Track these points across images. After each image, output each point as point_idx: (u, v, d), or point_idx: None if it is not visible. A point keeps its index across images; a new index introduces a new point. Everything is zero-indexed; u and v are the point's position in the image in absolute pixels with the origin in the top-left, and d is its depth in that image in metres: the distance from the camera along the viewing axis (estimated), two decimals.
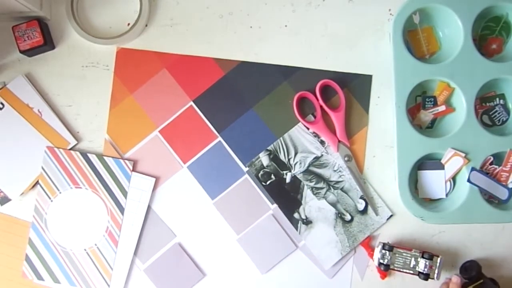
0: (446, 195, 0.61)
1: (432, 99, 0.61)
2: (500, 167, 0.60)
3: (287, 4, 0.63)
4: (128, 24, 0.63)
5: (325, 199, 0.60)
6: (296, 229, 0.61)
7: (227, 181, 0.62)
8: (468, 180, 0.58)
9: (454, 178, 0.61)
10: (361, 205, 0.61)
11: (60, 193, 0.61)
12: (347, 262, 0.61)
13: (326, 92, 0.62)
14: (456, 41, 0.59)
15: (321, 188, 0.60)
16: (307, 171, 0.60)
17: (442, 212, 0.59)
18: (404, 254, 0.58)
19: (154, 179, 0.62)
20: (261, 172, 0.60)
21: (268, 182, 0.60)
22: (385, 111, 0.62)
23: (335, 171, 0.60)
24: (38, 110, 0.62)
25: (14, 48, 0.62)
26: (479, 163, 0.59)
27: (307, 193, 0.60)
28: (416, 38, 0.62)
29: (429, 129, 0.62)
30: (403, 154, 0.59)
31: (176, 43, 0.63)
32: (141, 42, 0.63)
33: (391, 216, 0.61)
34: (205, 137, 0.63)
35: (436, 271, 0.57)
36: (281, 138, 0.59)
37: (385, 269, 0.58)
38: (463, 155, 0.59)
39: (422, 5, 0.59)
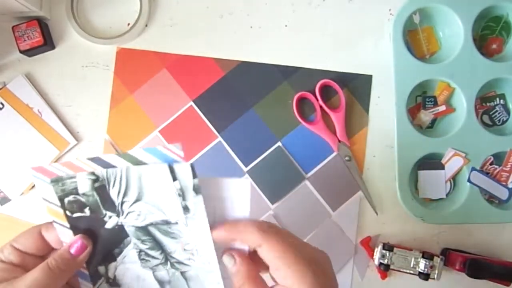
0: (446, 195, 0.61)
1: (432, 99, 0.61)
2: (500, 167, 0.60)
3: (287, 4, 0.63)
4: (128, 24, 0.63)
5: (153, 272, 0.41)
6: (93, 285, 0.41)
7: None
8: (468, 180, 0.58)
9: (454, 178, 0.61)
10: None
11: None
12: (347, 262, 0.61)
13: (326, 92, 0.62)
14: (456, 41, 0.59)
15: (154, 258, 0.41)
16: (143, 229, 0.39)
17: (442, 212, 0.59)
18: (404, 254, 0.58)
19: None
20: (70, 198, 0.37)
21: (75, 215, 0.38)
22: (385, 111, 0.62)
23: (185, 250, 0.40)
24: (38, 110, 0.62)
25: (14, 48, 0.62)
26: (479, 163, 0.59)
27: (129, 253, 0.41)
28: (416, 38, 0.62)
29: (429, 129, 0.62)
30: (403, 154, 0.59)
31: (176, 43, 0.63)
32: (141, 42, 0.63)
33: None
34: (205, 137, 0.63)
35: (436, 271, 0.57)
36: (123, 169, 0.36)
37: (385, 269, 0.58)
38: (463, 155, 0.59)
39: (422, 5, 0.59)
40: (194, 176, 0.35)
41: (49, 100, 0.63)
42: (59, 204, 0.37)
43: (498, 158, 0.60)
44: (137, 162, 0.36)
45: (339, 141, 0.62)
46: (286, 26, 0.63)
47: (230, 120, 0.63)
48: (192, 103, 0.63)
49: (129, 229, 0.39)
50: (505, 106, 0.62)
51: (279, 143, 0.63)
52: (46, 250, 0.38)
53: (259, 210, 0.62)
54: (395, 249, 0.58)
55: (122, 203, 0.38)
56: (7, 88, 0.62)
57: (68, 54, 0.63)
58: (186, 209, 0.37)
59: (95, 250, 0.39)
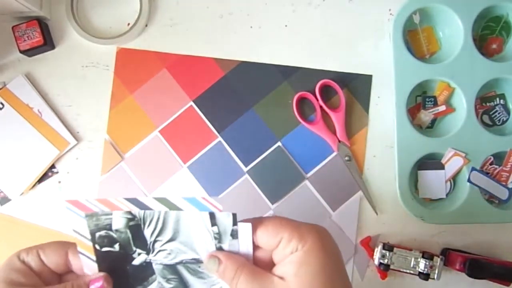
0: (446, 195, 0.61)
1: (432, 99, 0.61)
2: (501, 167, 0.60)
3: (287, 4, 0.63)
4: (128, 24, 0.63)
5: None
6: None
7: (227, 181, 0.62)
8: (468, 180, 0.58)
9: (454, 178, 0.61)
10: None
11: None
12: (347, 262, 0.61)
13: (326, 92, 0.62)
14: (456, 41, 0.59)
15: None
16: (171, 267, 0.39)
17: (442, 212, 0.59)
18: (404, 254, 0.58)
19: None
20: (102, 233, 0.37)
21: (104, 249, 0.38)
22: (385, 111, 0.62)
23: None
24: (38, 110, 0.62)
25: (14, 48, 0.62)
26: (479, 163, 0.59)
27: None
28: (416, 38, 0.62)
29: (429, 129, 0.62)
30: (403, 154, 0.59)
31: (176, 43, 0.63)
32: (141, 42, 0.63)
33: None
34: (205, 137, 0.63)
35: (436, 271, 0.57)
36: (162, 212, 0.36)
37: (385, 269, 0.58)
38: (463, 155, 0.58)
39: (422, 5, 0.59)
40: (235, 223, 0.36)
41: (49, 100, 0.63)
42: (89, 237, 0.37)
43: (498, 158, 0.60)
44: (174, 208, 0.36)
45: (339, 141, 0.62)
46: (286, 26, 0.63)
47: (230, 120, 0.63)
48: (192, 103, 0.63)
49: (157, 267, 0.39)
50: (505, 106, 0.62)
51: (279, 143, 0.63)
52: (65, 270, 0.38)
53: (259, 210, 0.62)
54: (395, 249, 0.58)
55: (155, 241, 0.38)
56: (7, 88, 0.62)
57: (68, 54, 0.63)
58: (220, 250, 0.37)
59: (118, 285, 0.39)
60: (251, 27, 0.63)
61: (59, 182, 0.63)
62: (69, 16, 0.62)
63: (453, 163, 0.59)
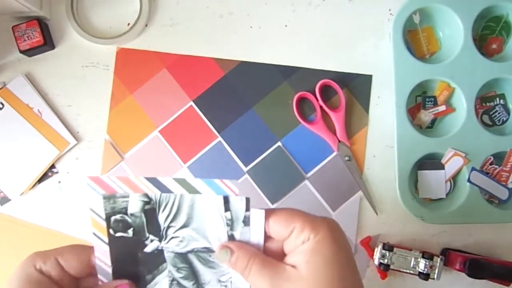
0: (446, 195, 0.61)
1: (432, 99, 0.61)
2: (501, 167, 0.60)
3: (287, 4, 0.63)
4: (128, 24, 0.63)
5: None
6: None
7: None
8: (468, 180, 0.58)
9: (454, 178, 0.61)
10: None
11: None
12: None
13: (326, 92, 0.62)
14: (456, 41, 0.59)
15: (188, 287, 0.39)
16: (182, 256, 0.39)
17: (442, 212, 0.59)
18: (404, 254, 0.58)
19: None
20: (117, 217, 0.37)
21: (118, 234, 0.37)
22: (385, 111, 0.62)
23: (220, 281, 0.39)
24: (38, 110, 0.62)
25: (14, 48, 0.62)
26: (479, 163, 0.59)
27: (161, 280, 0.39)
28: (416, 38, 0.62)
29: (429, 129, 0.62)
30: (403, 154, 0.59)
31: (176, 43, 0.63)
32: (141, 42, 0.63)
33: None
34: (205, 137, 0.63)
35: (436, 271, 0.57)
36: (177, 196, 0.37)
37: (385, 269, 0.58)
38: (463, 155, 0.58)
39: (422, 5, 0.59)
40: (247, 209, 0.36)
41: (49, 100, 0.63)
42: (104, 217, 0.37)
43: (498, 158, 0.60)
44: (192, 191, 0.36)
45: (339, 141, 0.62)
46: (286, 26, 0.63)
47: (230, 120, 0.63)
48: (192, 103, 0.63)
49: (168, 255, 0.39)
50: (505, 106, 0.62)
51: (279, 143, 0.63)
52: (87, 274, 0.37)
53: None
54: (395, 249, 0.58)
55: (168, 228, 0.38)
56: (7, 88, 0.62)
57: (68, 54, 0.63)
58: (231, 238, 0.38)
59: (129, 273, 0.38)
60: (251, 27, 0.63)
61: (59, 182, 0.63)
62: (69, 16, 0.62)
63: (453, 163, 0.59)
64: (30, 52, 0.61)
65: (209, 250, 0.38)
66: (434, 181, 0.60)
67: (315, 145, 0.62)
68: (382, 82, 0.62)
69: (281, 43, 0.63)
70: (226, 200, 0.36)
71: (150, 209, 0.37)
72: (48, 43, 0.61)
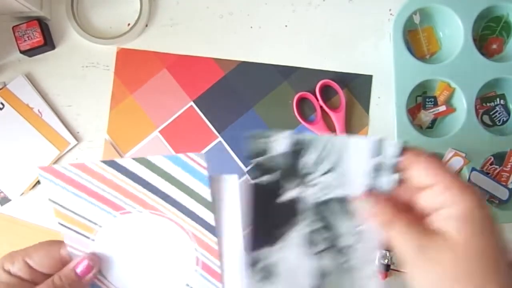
0: None
1: (433, 99, 0.61)
2: (501, 167, 0.60)
3: (287, 4, 0.63)
4: (128, 24, 0.63)
5: (316, 260, 0.36)
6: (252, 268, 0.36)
7: None
8: (468, 180, 0.58)
9: None
10: None
11: (100, 227, 0.37)
12: None
13: (326, 92, 0.62)
14: (457, 41, 0.59)
15: (321, 242, 0.36)
16: (321, 205, 0.35)
17: None
18: None
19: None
20: (259, 159, 0.35)
21: (254, 181, 0.35)
22: (385, 111, 0.62)
23: (354, 234, 0.36)
24: (38, 110, 0.62)
25: (14, 48, 0.62)
26: (479, 163, 0.59)
27: (294, 235, 0.36)
28: (416, 38, 0.62)
29: (429, 129, 0.62)
30: None
31: (176, 43, 0.63)
32: (141, 42, 0.63)
33: None
34: (205, 137, 0.63)
35: None
36: (328, 137, 0.34)
37: (385, 269, 0.58)
38: (463, 155, 0.58)
39: (422, 5, 0.59)
40: (399, 155, 0.33)
41: (49, 100, 0.63)
42: (66, 206, 0.35)
43: (498, 158, 0.60)
44: (155, 169, 0.36)
45: None
46: (286, 26, 0.63)
47: (230, 120, 0.63)
48: (192, 103, 0.63)
49: (304, 206, 0.36)
50: (505, 106, 0.62)
51: None
52: (61, 267, 0.36)
53: None
54: None
55: (311, 173, 0.35)
56: (7, 88, 0.62)
57: (68, 54, 0.63)
58: (373, 186, 0.34)
59: (262, 225, 0.36)
60: (251, 27, 0.63)
61: None
62: (69, 16, 0.63)
63: (453, 163, 0.59)
64: (30, 52, 0.61)
65: (347, 200, 0.35)
66: None
67: None
68: (382, 82, 0.62)
69: (281, 43, 0.63)
70: (378, 144, 0.33)
71: (297, 150, 0.35)
72: (48, 43, 0.61)
